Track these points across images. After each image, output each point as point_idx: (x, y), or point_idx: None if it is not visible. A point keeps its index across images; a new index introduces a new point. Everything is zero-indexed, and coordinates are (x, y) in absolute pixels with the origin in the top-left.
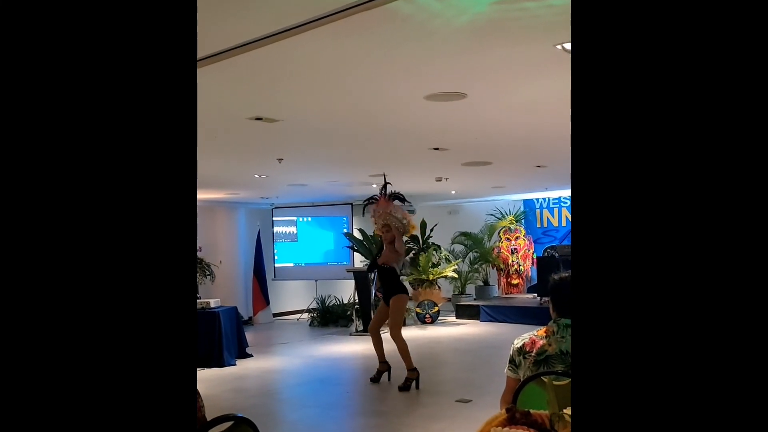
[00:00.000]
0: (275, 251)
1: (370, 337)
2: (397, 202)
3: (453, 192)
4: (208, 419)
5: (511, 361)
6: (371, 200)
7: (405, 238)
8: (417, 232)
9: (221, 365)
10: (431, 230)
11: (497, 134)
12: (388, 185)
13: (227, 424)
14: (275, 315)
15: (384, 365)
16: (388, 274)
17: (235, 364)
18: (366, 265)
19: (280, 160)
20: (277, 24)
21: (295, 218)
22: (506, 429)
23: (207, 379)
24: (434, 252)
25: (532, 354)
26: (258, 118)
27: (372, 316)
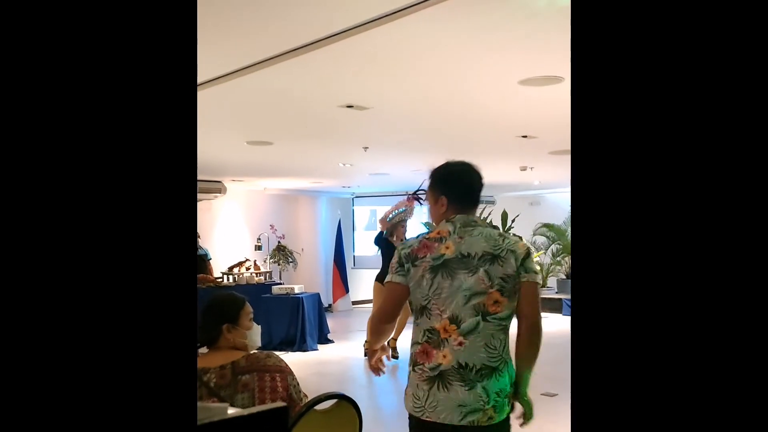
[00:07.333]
0: (354, 240)
1: None
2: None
3: (536, 182)
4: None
5: (400, 264)
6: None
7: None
8: (498, 222)
9: (304, 350)
10: (512, 221)
11: None
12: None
13: (329, 403)
14: (354, 303)
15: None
16: None
17: (317, 349)
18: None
19: (365, 148)
20: (370, 12)
21: (375, 208)
22: None
23: (291, 362)
24: None
25: (427, 259)
26: (349, 106)
27: None
